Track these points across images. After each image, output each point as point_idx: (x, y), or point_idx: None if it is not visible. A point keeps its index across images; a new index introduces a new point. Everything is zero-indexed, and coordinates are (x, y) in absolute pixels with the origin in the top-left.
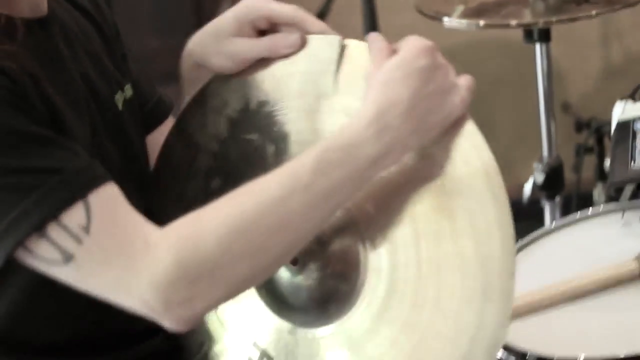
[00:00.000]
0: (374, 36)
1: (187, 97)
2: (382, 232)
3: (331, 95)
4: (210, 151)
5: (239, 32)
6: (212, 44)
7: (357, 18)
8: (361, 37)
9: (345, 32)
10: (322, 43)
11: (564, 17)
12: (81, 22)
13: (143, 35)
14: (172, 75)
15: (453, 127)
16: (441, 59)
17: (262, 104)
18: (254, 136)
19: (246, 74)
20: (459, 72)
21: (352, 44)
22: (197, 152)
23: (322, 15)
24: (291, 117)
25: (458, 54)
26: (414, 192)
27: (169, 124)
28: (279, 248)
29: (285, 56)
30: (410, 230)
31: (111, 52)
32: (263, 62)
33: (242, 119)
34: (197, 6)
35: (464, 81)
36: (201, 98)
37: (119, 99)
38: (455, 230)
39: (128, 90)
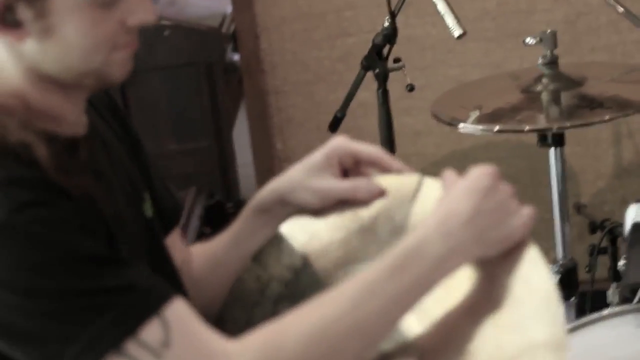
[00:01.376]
0: (447, 172)
1: (264, 231)
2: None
3: (406, 229)
4: (283, 280)
5: (327, 168)
6: (302, 178)
7: (373, 121)
8: (376, 139)
9: (360, 134)
10: (401, 181)
11: (578, 122)
12: (113, 130)
13: (161, 138)
14: (189, 177)
15: (514, 250)
16: (503, 184)
17: (339, 239)
18: (328, 265)
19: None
20: None
21: (429, 182)
22: (269, 281)
23: (339, 118)
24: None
25: (472, 155)
26: (475, 320)
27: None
28: (355, 351)
29: (364, 201)
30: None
31: (135, 158)
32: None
33: (318, 251)
34: (214, 110)
35: (527, 210)
36: (280, 235)
37: (147, 206)
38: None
39: (147, 197)
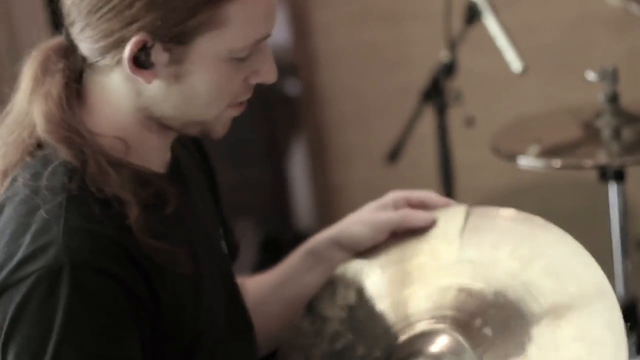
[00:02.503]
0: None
1: (313, 274)
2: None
3: (456, 260)
4: (338, 319)
5: (382, 208)
6: (356, 215)
7: (431, 154)
8: (434, 172)
9: (418, 167)
10: (449, 213)
11: (639, 158)
12: (196, 165)
13: (218, 168)
14: (246, 207)
15: None
16: None
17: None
18: (382, 294)
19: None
20: (531, 208)
21: (476, 210)
22: (324, 323)
23: (397, 150)
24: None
25: (530, 190)
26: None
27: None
28: None
29: (416, 229)
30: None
31: (215, 197)
32: (396, 236)
33: (371, 287)
34: (271, 140)
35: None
36: (333, 279)
37: (223, 243)
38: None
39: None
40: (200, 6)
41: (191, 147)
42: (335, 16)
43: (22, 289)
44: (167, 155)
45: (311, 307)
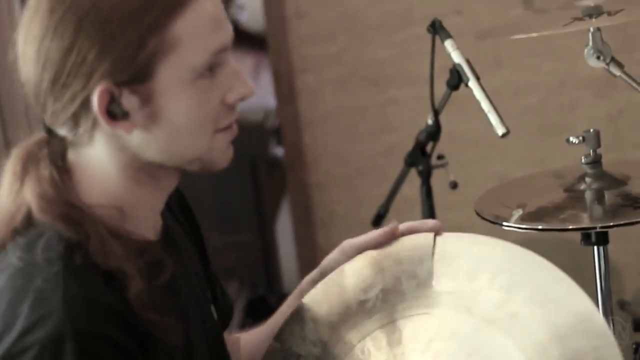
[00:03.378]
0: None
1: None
2: None
3: (431, 281)
4: (311, 355)
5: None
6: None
7: (416, 216)
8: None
9: None
10: (415, 241)
11: (622, 221)
12: (185, 229)
13: (205, 231)
14: (233, 270)
15: None
16: None
17: (363, 302)
18: (357, 330)
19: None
20: None
21: (442, 236)
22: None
23: (382, 213)
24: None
25: None
26: None
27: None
28: None
29: (383, 243)
30: None
31: (203, 258)
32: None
33: (345, 317)
34: (258, 203)
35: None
36: (301, 309)
37: (213, 308)
38: None
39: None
40: (146, 35)
41: (175, 208)
42: (319, 80)
43: (28, 358)
44: (158, 222)
45: (280, 340)
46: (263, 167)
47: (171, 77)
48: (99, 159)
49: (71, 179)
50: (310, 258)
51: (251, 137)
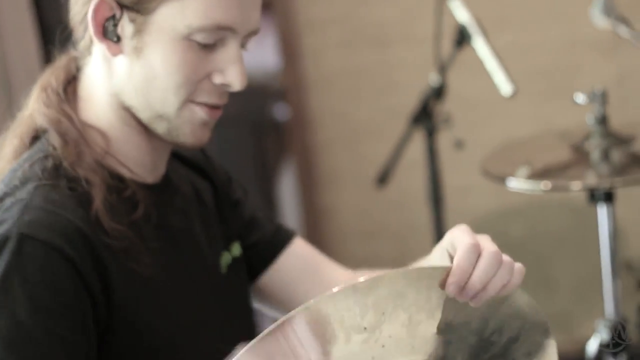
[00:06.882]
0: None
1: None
2: None
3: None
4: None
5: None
6: None
7: (421, 176)
8: (423, 195)
9: (407, 190)
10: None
11: (628, 179)
12: (198, 182)
13: None
14: None
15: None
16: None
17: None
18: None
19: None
20: (522, 230)
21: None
22: None
23: (386, 173)
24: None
25: (520, 212)
26: None
27: (295, 248)
28: None
29: None
30: None
31: (221, 208)
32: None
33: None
34: (261, 163)
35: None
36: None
37: (225, 260)
38: None
39: (235, 249)
40: None
41: (202, 172)
42: (324, 41)
43: None
44: (158, 168)
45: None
46: (266, 128)
47: (166, 22)
48: (95, 78)
49: (75, 94)
50: (313, 218)
51: (255, 98)
